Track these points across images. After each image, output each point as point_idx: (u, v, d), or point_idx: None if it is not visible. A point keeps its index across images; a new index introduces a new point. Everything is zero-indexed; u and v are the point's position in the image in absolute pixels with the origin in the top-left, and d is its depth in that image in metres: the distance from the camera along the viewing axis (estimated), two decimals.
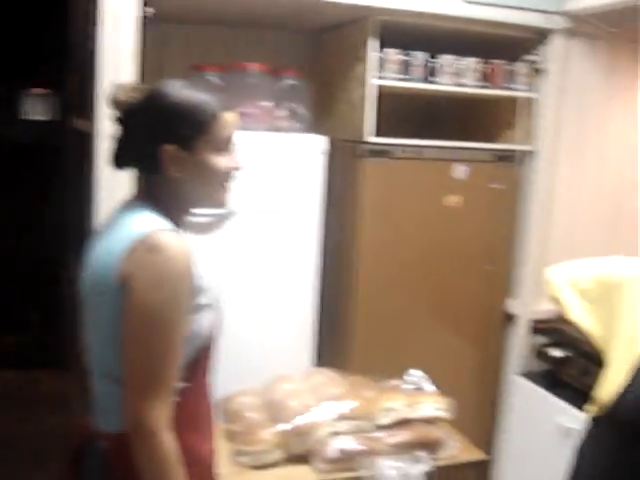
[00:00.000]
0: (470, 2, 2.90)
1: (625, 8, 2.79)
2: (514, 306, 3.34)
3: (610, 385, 1.98)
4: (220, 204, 1.75)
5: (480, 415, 3.38)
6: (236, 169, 1.72)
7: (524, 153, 3.21)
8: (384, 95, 2.92)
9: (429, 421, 2.14)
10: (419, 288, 3.14)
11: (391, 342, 3.09)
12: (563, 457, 2.17)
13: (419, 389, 2.24)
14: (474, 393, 3.36)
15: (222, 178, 1.71)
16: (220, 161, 1.67)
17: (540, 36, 3.13)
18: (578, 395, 2.82)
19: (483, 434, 3.40)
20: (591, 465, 2.08)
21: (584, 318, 2.13)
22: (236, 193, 1.78)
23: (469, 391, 3.33)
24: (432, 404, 2.15)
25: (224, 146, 1.69)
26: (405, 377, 2.29)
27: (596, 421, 2.08)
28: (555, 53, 3.11)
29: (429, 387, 2.24)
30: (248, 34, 3.30)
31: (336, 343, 3.13)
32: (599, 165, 3.32)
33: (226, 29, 3.25)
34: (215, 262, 2.64)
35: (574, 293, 2.16)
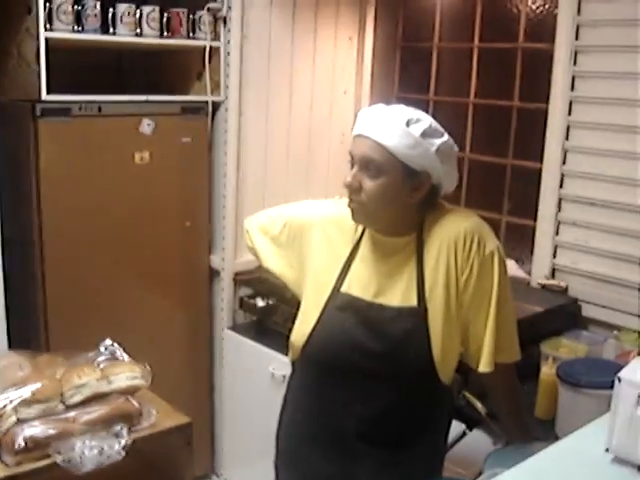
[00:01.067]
0: None
1: None
2: (217, 261, 3.30)
3: (301, 328, 1.99)
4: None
5: (196, 374, 3.34)
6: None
7: (213, 104, 3.14)
8: (59, 49, 2.68)
9: (127, 392, 2.02)
10: (117, 252, 2.99)
11: (93, 313, 2.92)
12: (279, 405, 2.17)
13: (114, 360, 2.11)
14: (187, 353, 3.30)
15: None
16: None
17: None
18: (286, 341, 2.85)
19: (201, 393, 3.36)
20: (295, 408, 2.10)
21: (276, 264, 2.12)
22: None
23: (182, 352, 3.27)
24: (127, 374, 2.02)
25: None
26: (99, 349, 2.14)
27: (294, 365, 2.09)
28: (235, 1, 3.05)
29: (123, 356, 2.11)
30: None
31: (29, 323, 2.90)
32: (286, 112, 3.36)
33: None
34: None
35: (265, 240, 2.15)
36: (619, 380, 1.56)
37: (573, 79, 2.81)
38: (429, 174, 1.87)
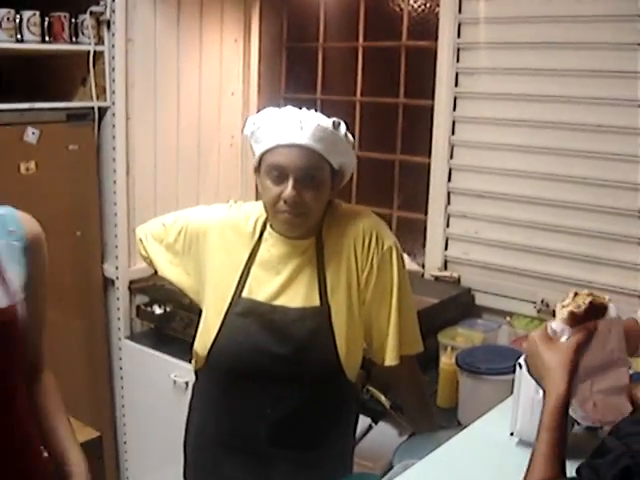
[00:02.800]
0: None
1: None
2: (111, 269, 3.23)
3: (204, 336, 1.98)
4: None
5: (96, 386, 3.26)
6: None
7: (99, 110, 3.07)
8: None
9: None
10: None
11: None
12: (184, 413, 2.15)
13: None
14: (85, 365, 3.22)
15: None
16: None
17: None
18: (187, 348, 2.82)
19: (103, 406, 3.29)
20: (203, 418, 2.08)
21: (173, 272, 2.10)
22: None
23: (80, 365, 3.18)
24: None
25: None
26: None
27: (199, 373, 2.08)
28: (119, 3, 2.99)
29: None
30: None
31: None
32: (174, 116, 3.32)
33: None
34: None
35: (160, 248, 2.11)
36: (520, 366, 1.63)
37: (457, 75, 2.90)
38: (344, 171, 1.91)
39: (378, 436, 2.41)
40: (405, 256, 3.21)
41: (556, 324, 1.40)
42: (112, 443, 3.32)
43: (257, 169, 1.91)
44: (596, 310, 1.40)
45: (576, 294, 1.43)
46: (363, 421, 2.44)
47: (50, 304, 2.96)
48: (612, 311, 1.44)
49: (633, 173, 2.52)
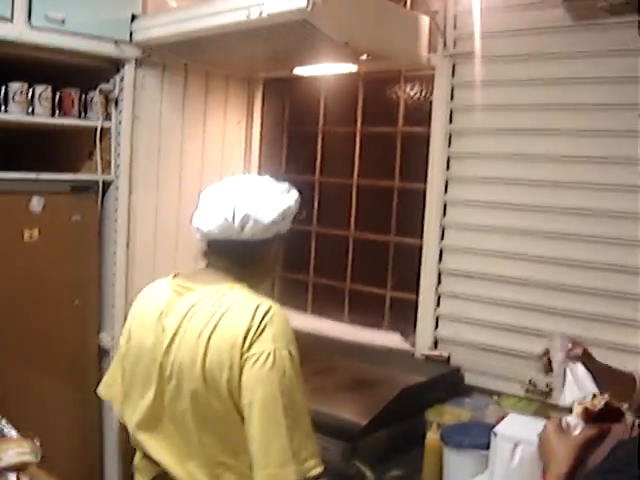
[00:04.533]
0: (35, 28, 2.79)
1: (190, 39, 2.92)
2: (106, 339, 3.27)
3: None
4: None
5: (87, 457, 3.26)
6: None
7: (103, 183, 3.18)
8: None
9: (17, 468, 1.99)
10: (5, 332, 2.93)
11: None
12: None
13: (2, 437, 2.08)
14: (77, 434, 3.22)
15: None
16: None
17: (113, 65, 3.14)
18: None
19: (94, 471, 3.29)
20: None
21: None
22: None
23: (72, 433, 3.18)
24: (16, 450, 2.00)
25: None
26: None
27: None
28: (127, 82, 3.14)
29: (11, 432, 2.09)
30: None
31: None
32: (176, 191, 3.43)
33: None
34: None
35: None
36: (495, 434, 1.67)
37: (448, 159, 3.01)
38: None
39: None
40: (397, 336, 3.29)
41: (571, 418, 1.48)
42: None
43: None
44: (613, 414, 1.46)
45: (594, 396, 1.51)
46: None
47: (47, 370, 3.04)
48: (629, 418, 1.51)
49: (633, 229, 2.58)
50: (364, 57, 3.04)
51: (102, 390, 2.14)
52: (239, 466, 1.79)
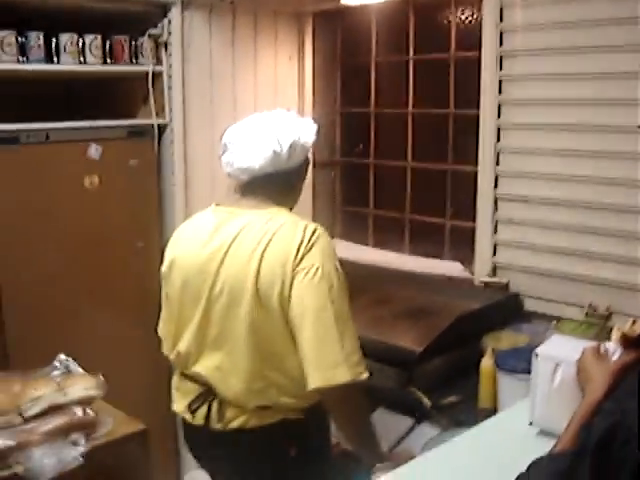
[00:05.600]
0: None
1: None
2: None
3: None
4: None
5: (155, 383, 3.35)
6: None
7: (159, 127, 3.23)
8: (7, 81, 2.78)
9: (83, 402, 2.09)
10: (72, 275, 3.04)
11: (50, 333, 2.96)
12: None
13: (68, 373, 2.19)
14: (144, 373, 3.33)
15: None
16: None
17: (160, 9, 3.16)
18: None
19: (161, 401, 3.39)
20: None
21: None
22: None
23: (139, 372, 3.29)
24: (82, 385, 2.10)
25: None
26: (54, 364, 2.22)
27: None
28: (175, 25, 3.16)
29: (77, 370, 2.19)
30: None
31: None
32: None
33: None
34: None
35: None
36: (536, 355, 1.68)
37: (500, 83, 2.94)
38: None
39: (419, 437, 2.46)
40: (458, 265, 3.29)
41: (609, 344, 1.48)
42: (172, 435, 3.40)
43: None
44: None
45: (634, 322, 1.50)
46: (406, 421, 2.51)
47: (113, 310, 3.15)
48: None
49: None
50: None
51: (159, 329, 2.27)
52: (281, 380, 1.93)
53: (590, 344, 1.55)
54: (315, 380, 1.81)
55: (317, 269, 1.84)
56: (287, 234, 1.89)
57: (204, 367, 2.01)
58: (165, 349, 2.20)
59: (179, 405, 2.13)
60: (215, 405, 2.00)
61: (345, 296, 1.88)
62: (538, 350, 1.68)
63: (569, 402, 1.48)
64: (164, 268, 2.16)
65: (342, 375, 1.79)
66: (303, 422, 2.00)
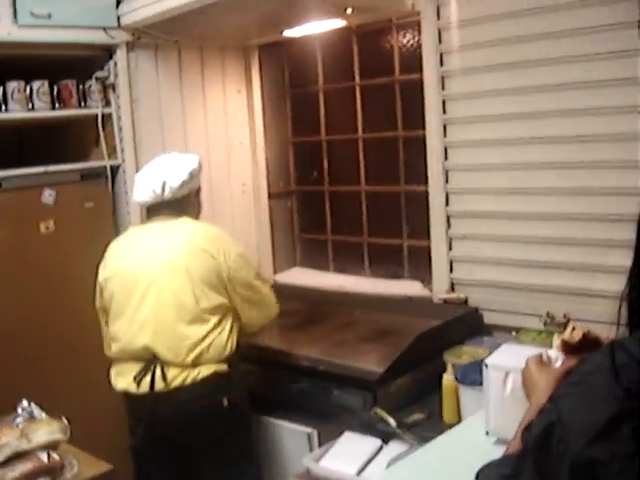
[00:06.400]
0: (22, 26, 2.86)
1: (177, 16, 2.95)
2: None
3: None
4: None
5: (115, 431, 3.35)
6: None
7: (112, 168, 3.25)
8: None
9: (48, 447, 2.09)
10: (32, 322, 3.03)
11: (14, 382, 2.92)
12: None
13: (32, 418, 2.19)
14: (109, 408, 3.29)
15: None
16: None
17: (105, 52, 3.20)
18: None
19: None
20: None
21: None
22: None
23: (104, 408, 3.25)
24: (45, 429, 2.10)
25: None
26: (17, 410, 2.22)
27: None
28: (121, 67, 3.20)
29: (41, 415, 2.19)
30: None
31: None
32: None
33: None
34: None
35: None
36: (486, 366, 1.71)
37: (444, 103, 3.01)
38: None
39: (387, 457, 2.47)
40: (417, 284, 3.33)
41: (551, 351, 1.51)
42: None
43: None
44: (592, 344, 1.48)
45: (574, 328, 1.54)
46: (374, 442, 2.52)
47: (69, 356, 3.12)
48: None
49: (633, 178, 2.55)
50: (349, 11, 3.06)
51: (106, 341, 2.75)
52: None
53: (533, 353, 1.57)
54: None
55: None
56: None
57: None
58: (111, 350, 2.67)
59: (121, 383, 2.57)
60: (158, 371, 2.48)
61: None
62: (488, 360, 1.72)
63: (522, 410, 1.50)
64: (99, 293, 2.77)
65: None
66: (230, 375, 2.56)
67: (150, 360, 2.51)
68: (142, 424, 2.58)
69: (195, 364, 2.50)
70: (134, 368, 2.54)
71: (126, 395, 2.59)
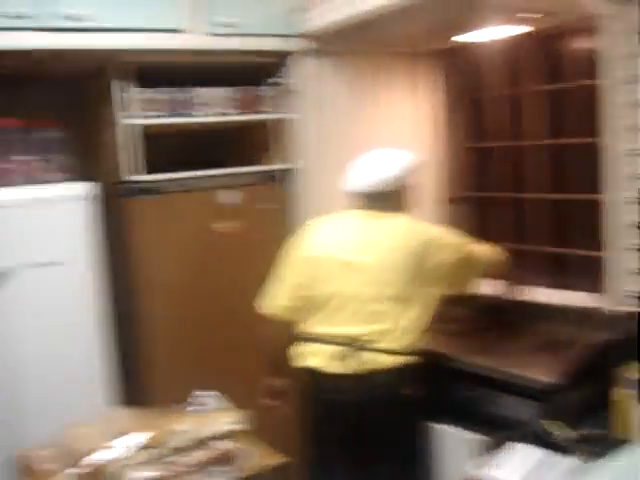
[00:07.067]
0: (214, 35, 3.03)
1: (356, 23, 3.02)
2: None
3: None
4: None
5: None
6: None
7: (287, 171, 3.39)
8: (152, 134, 3.00)
9: (226, 436, 2.20)
10: (211, 315, 3.20)
11: (192, 370, 3.12)
12: None
13: (210, 408, 2.31)
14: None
15: None
16: None
17: (283, 59, 3.33)
18: None
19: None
20: None
21: None
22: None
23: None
24: (224, 419, 2.21)
25: None
26: (195, 399, 2.34)
27: None
28: (301, 73, 3.33)
29: (220, 404, 2.31)
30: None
31: (137, 382, 3.14)
32: None
33: None
34: None
35: None
36: None
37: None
38: None
39: (551, 469, 2.42)
40: (586, 294, 3.23)
41: None
42: None
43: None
44: None
45: None
46: (540, 453, 2.48)
47: (247, 348, 3.25)
48: None
49: None
50: (535, 15, 3.01)
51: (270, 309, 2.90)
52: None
53: None
54: None
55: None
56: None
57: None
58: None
59: (313, 361, 2.68)
60: (358, 353, 2.59)
61: None
62: None
63: None
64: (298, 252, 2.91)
65: None
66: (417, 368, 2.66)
67: (349, 343, 2.61)
68: (328, 404, 2.66)
69: (391, 352, 2.60)
70: (331, 349, 2.64)
71: (315, 374, 2.68)
